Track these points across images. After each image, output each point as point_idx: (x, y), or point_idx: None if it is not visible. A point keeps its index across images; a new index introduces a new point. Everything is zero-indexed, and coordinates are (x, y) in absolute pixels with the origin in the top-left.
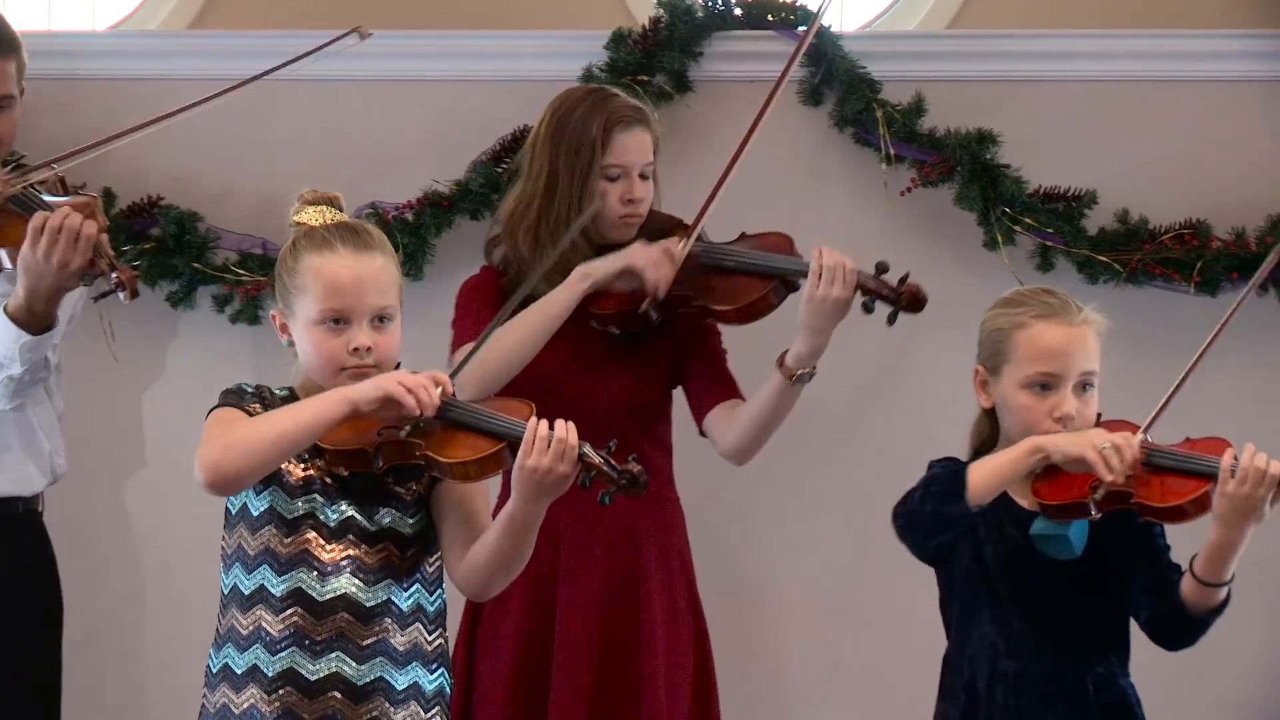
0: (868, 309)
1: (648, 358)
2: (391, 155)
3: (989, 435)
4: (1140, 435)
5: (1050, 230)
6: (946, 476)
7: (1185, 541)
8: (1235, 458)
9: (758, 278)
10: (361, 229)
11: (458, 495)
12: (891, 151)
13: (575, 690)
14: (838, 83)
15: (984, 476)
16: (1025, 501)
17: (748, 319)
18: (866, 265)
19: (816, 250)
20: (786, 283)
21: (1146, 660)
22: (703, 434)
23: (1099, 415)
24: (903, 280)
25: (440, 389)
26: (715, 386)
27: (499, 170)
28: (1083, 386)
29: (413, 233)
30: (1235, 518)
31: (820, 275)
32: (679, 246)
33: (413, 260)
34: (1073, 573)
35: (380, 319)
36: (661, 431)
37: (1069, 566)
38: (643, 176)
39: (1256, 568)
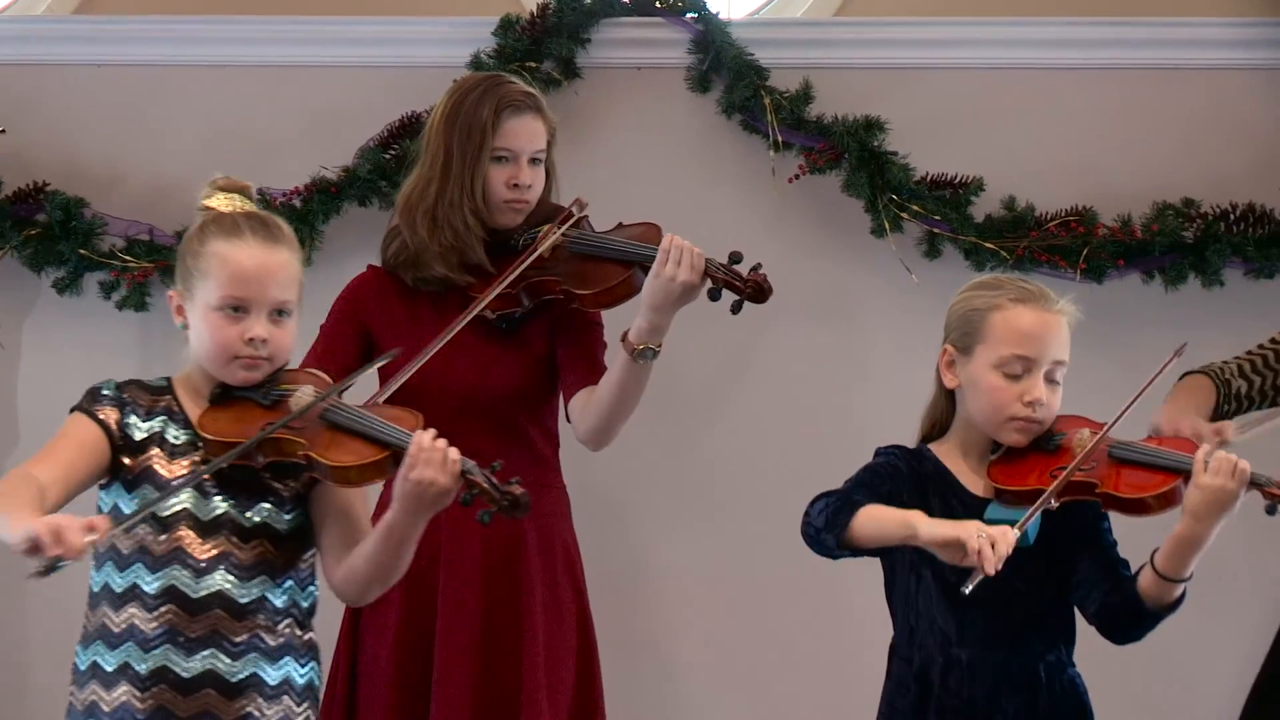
0: (713, 296)
1: (525, 343)
2: (279, 141)
3: (944, 417)
4: (1098, 438)
5: (937, 217)
6: (843, 505)
7: (1148, 541)
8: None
9: (619, 264)
10: (272, 222)
11: (340, 500)
12: (779, 138)
13: (458, 675)
14: (725, 70)
15: (866, 525)
16: (977, 487)
17: (609, 303)
18: (752, 253)
19: (669, 236)
20: (646, 268)
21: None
22: (569, 419)
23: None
24: (753, 270)
25: (92, 533)
26: (581, 372)
27: (387, 157)
28: (1053, 375)
29: (301, 219)
30: (1206, 511)
31: (668, 254)
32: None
33: (301, 247)
34: (1023, 561)
35: (279, 313)
36: (547, 418)
37: (1020, 555)
38: (533, 163)
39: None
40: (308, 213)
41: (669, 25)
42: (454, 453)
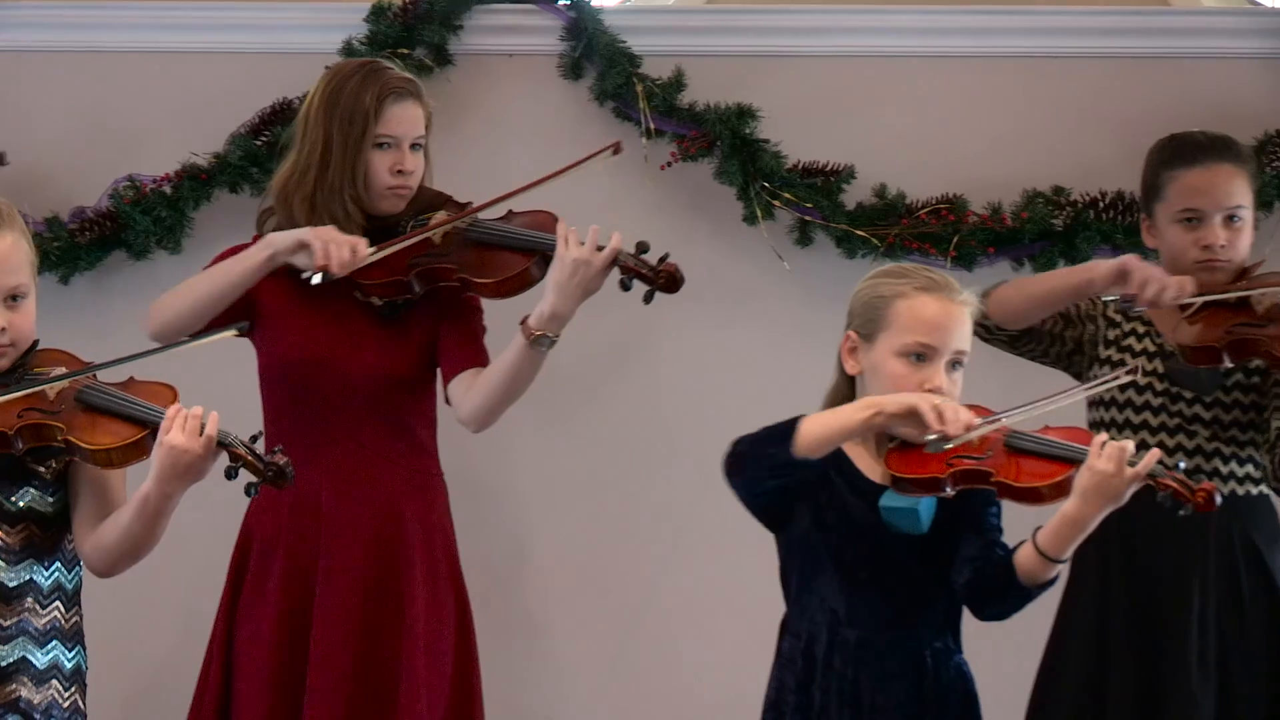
0: (625, 286)
1: (410, 329)
2: (149, 128)
3: (844, 403)
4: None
5: (809, 205)
6: (780, 423)
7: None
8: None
9: (519, 253)
10: None
11: (95, 472)
12: (652, 126)
13: (336, 663)
14: (598, 57)
15: (815, 427)
16: (874, 474)
17: (508, 293)
18: (626, 241)
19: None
20: (547, 258)
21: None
22: (448, 401)
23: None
24: (662, 260)
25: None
26: (463, 353)
27: (258, 143)
28: (954, 365)
29: (171, 206)
30: (1096, 496)
31: (578, 243)
32: (368, 250)
33: (171, 234)
34: (916, 546)
35: (13, 298)
36: (426, 404)
37: (911, 540)
38: (414, 148)
39: None
40: (178, 199)
41: (541, 12)
42: (211, 422)
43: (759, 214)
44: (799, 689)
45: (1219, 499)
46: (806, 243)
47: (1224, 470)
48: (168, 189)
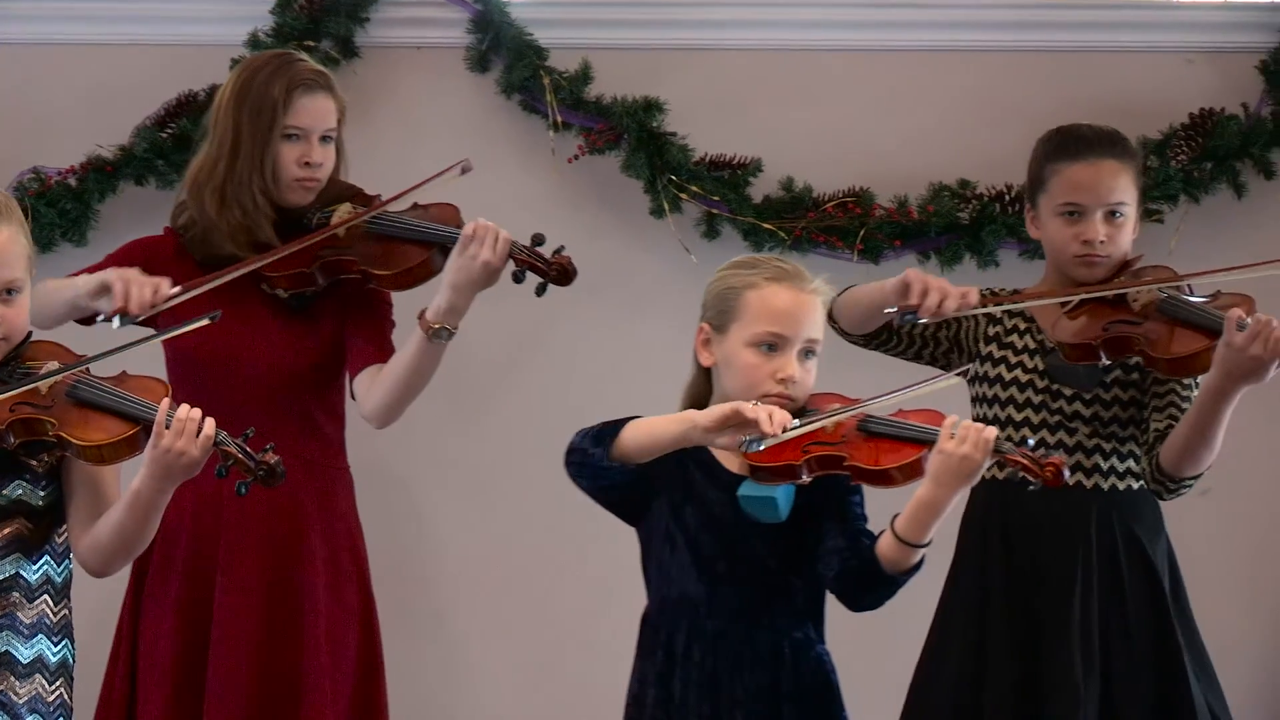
0: (518, 279)
1: (315, 322)
2: (53, 120)
3: (703, 395)
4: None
5: (716, 198)
6: (609, 423)
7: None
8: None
9: (418, 245)
10: None
11: (89, 470)
12: (559, 119)
13: (238, 656)
14: (505, 50)
15: (635, 434)
16: (732, 464)
17: (409, 284)
18: (531, 232)
19: (475, 222)
20: (446, 250)
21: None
22: (353, 396)
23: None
24: (556, 253)
25: None
26: (368, 348)
27: (164, 135)
28: (806, 354)
29: (76, 198)
30: (948, 476)
31: (472, 235)
32: (169, 289)
33: (76, 226)
34: (775, 536)
35: (8, 291)
36: (333, 398)
37: (771, 530)
38: (324, 141)
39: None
40: (83, 192)
41: (448, 5)
42: (209, 424)
43: (666, 207)
44: (659, 681)
45: (1067, 473)
46: (713, 236)
47: (1104, 466)
48: (72, 181)
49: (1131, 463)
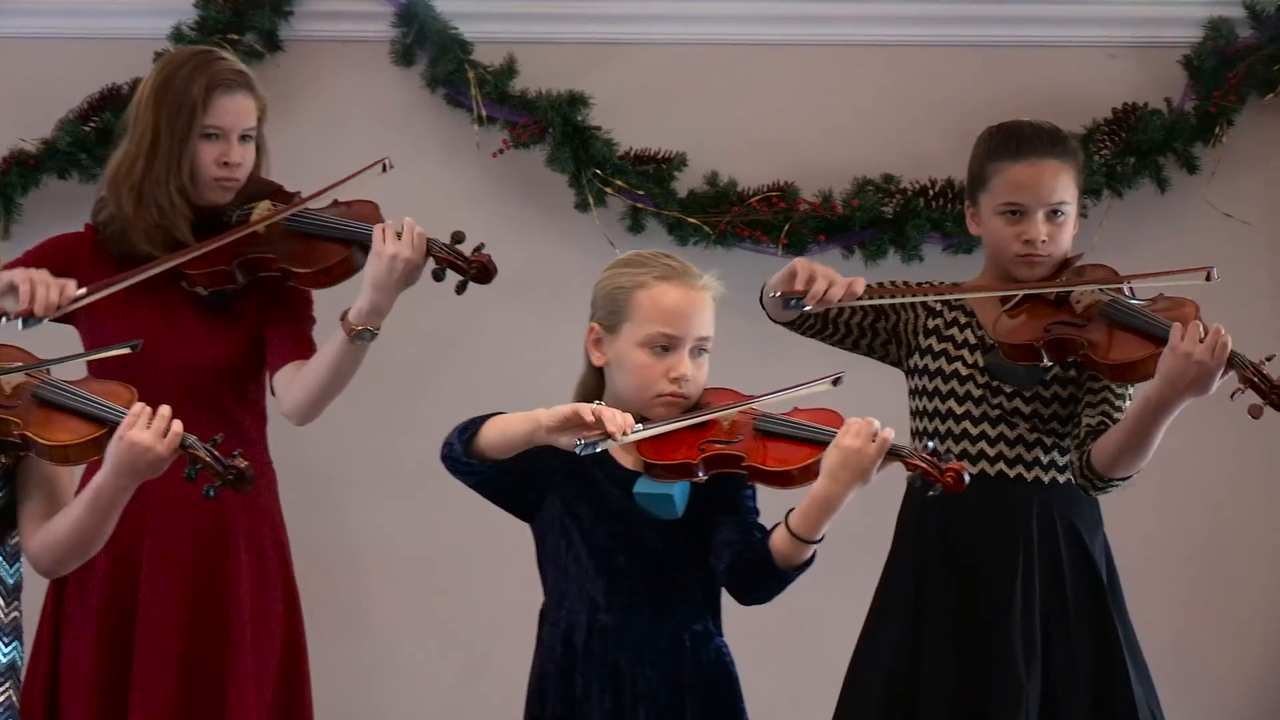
0: (438, 276)
1: (236, 319)
2: None
3: (594, 393)
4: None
5: (641, 192)
6: (475, 419)
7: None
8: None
9: (338, 243)
10: None
11: (47, 470)
12: (484, 113)
13: (161, 656)
14: (429, 43)
15: (491, 431)
16: (628, 461)
17: (328, 282)
18: (455, 227)
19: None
20: (366, 248)
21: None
22: (273, 393)
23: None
24: (476, 250)
25: None
26: (288, 345)
27: (87, 129)
28: (698, 351)
29: None
30: (842, 472)
31: (391, 234)
32: (75, 290)
33: None
34: (672, 530)
35: None
36: (254, 395)
37: (667, 525)
38: (244, 140)
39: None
40: (5, 185)
41: None
42: (177, 424)
43: (591, 201)
44: (560, 676)
45: (968, 478)
46: (638, 230)
47: (1045, 460)
48: None
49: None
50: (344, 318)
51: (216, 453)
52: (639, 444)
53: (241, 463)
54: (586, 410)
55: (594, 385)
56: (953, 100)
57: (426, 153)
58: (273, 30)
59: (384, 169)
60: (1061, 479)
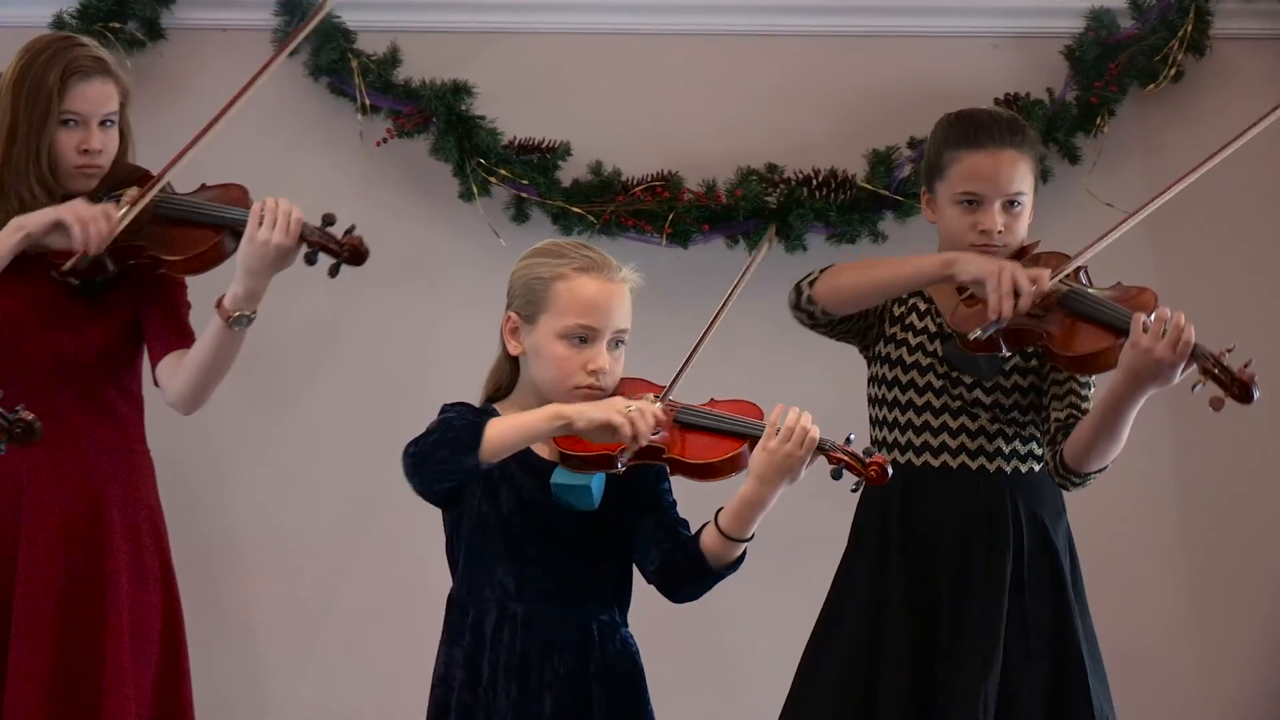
0: (310, 260)
1: (110, 308)
2: None
3: (507, 382)
4: (661, 398)
5: (525, 181)
6: (466, 427)
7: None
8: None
9: (208, 228)
10: None
11: None
12: (367, 102)
13: (36, 646)
14: (312, 32)
15: (502, 435)
16: (544, 451)
17: (199, 269)
18: (340, 217)
19: (264, 199)
20: (236, 233)
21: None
22: (156, 383)
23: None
24: (347, 233)
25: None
26: (168, 335)
27: None
28: (615, 344)
29: None
30: (772, 474)
31: (261, 218)
32: (120, 210)
33: None
34: (586, 521)
35: None
36: (130, 383)
37: (582, 515)
38: (105, 126)
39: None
40: None
41: None
42: None
43: (475, 191)
44: (467, 662)
45: (890, 471)
46: (523, 219)
47: (1006, 449)
48: None
49: (1034, 445)
50: (219, 304)
51: (1, 408)
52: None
53: (28, 415)
54: (623, 420)
55: (508, 372)
56: (837, 90)
57: (310, 142)
58: (155, 18)
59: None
60: (1024, 468)
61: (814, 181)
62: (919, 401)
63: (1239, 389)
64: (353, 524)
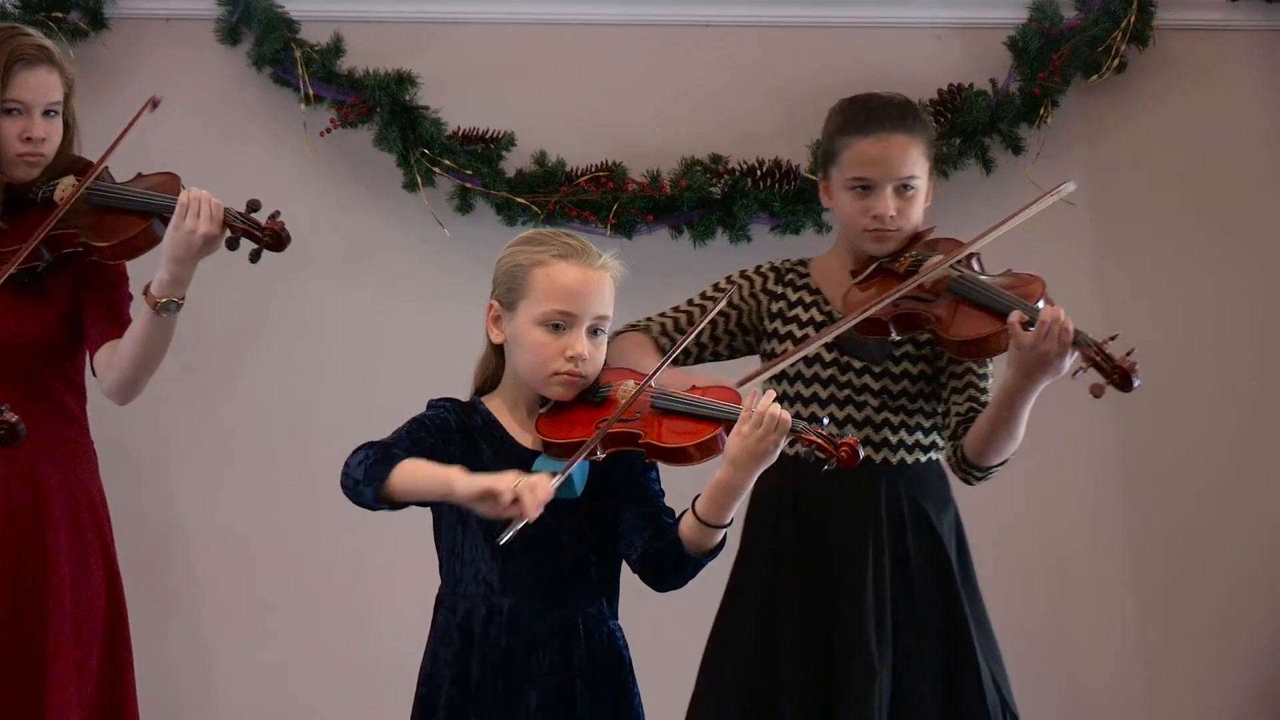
0: (231, 245)
1: (51, 298)
2: None
3: (494, 372)
4: (642, 385)
5: (469, 172)
6: (382, 459)
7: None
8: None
9: (137, 215)
10: None
11: None
12: (310, 92)
13: None
14: (255, 22)
15: (405, 480)
16: (525, 440)
17: (128, 255)
18: (283, 206)
19: (188, 190)
20: (165, 219)
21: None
22: (94, 373)
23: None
24: (271, 218)
25: None
26: (104, 324)
27: None
28: (594, 331)
29: None
30: (746, 459)
31: (187, 207)
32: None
33: None
34: (569, 512)
35: None
36: (72, 372)
37: (566, 506)
38: (48, 115)
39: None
40: None
41: None
42: None
43: (419, 181)
44: (455, 660)
45: (862, 453)
46: (467, 210)
47: (893, 440)
48: None
49: (920, 435)
50: (146, 292)
51: None
52: (538, 422)
53: (11, 417)
54: (505, 489)
55: (494, 362)
56: (781, 80)
57: (253, 132)
58: (97, 8)
59: (154, 107)
60: (910, 459)
61: (758, 172)
62: (807, 393)
63: (1119, 376)
64: (297, 514)
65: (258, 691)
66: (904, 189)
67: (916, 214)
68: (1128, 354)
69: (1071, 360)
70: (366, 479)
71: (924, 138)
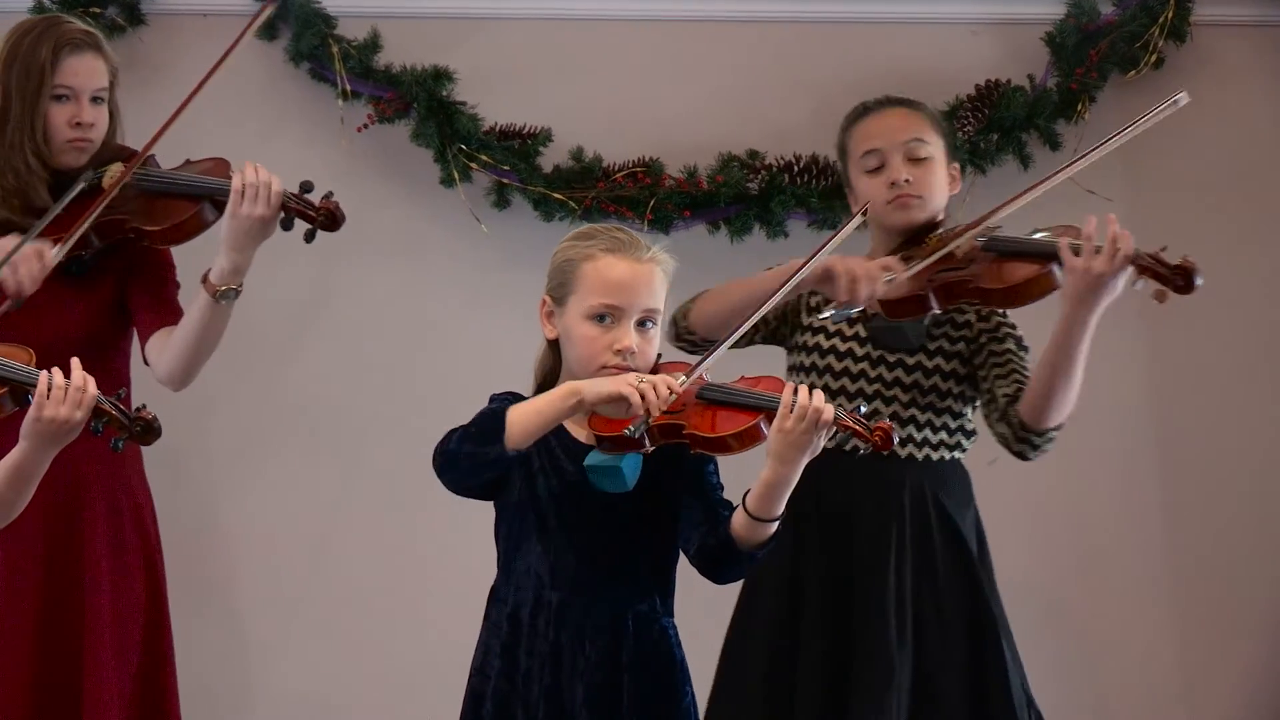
0: (286, 226)
1: (98, 288)
2: None
3: (553, 368)
4: (692, 374)
5: (506, 168)
6: (487, 417)
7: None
8: (795, 393)
9: (187, 199)
10: None
11: None
12: (347, 87)
13: (16, 635)
14: (293, 17)
15: (522, 420)
16: (581, 434)
17: (179, 239)
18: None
19: (240, 171)
20: (216, 202)
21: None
22: (146, 361)
23: (659, 356)
24: (324, 198)
25: None
26: (155, 312)
27: None
28: (644, 323)
29: None
30: (789, 453)
31: (243, 193)
32: (53, 250)
33: None
34: (624, 507)
35: None
36: (116, 364)
37: (621, 501)
38: (95, 101)
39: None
40: None
41: None
42: (91, 388)
43: (456, 177)
44: (504, 652)
45: (896, 438)
46: (504, 206)
47: (918, 437)
48: None
49: (945, 434)
50: (205, 279)
51: (122, 407)
52: (591, 416)
53: (149, 414)
54: (631, 391)
55: (551, 359)
56: (818, 76)
57: (290, 128)
58: (134, 4)
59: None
60: (935, 456)
61: (795, 168)
62: (834, 386)
63: (1181, 277)
64: (336, 507)
65: (298, 683)
66: (915, 157)
67: (935, 182)
68: (1185, 257)
69: (1126, 277)
70: (485, 439)
71: (927, 112)
